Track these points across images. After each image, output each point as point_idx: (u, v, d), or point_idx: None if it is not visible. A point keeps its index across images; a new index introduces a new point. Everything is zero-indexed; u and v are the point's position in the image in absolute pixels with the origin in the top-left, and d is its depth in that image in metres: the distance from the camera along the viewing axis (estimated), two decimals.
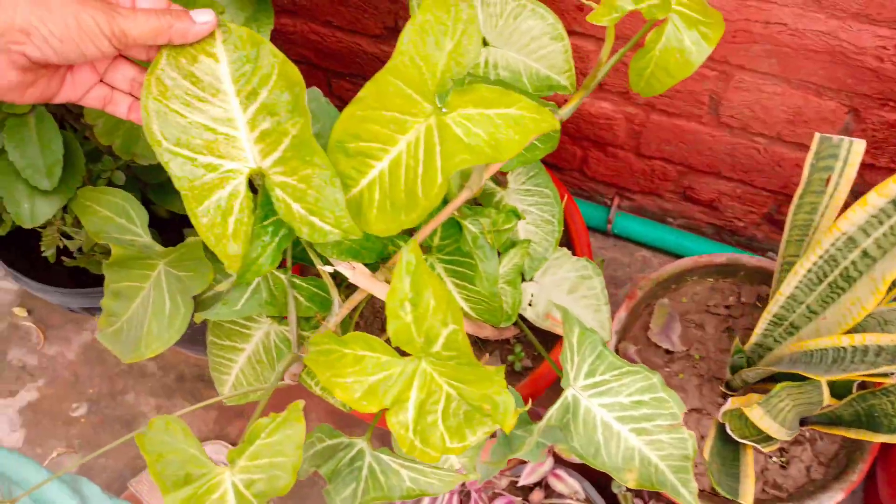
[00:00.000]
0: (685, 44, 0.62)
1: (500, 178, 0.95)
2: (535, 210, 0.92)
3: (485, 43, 0.86)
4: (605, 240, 1.38)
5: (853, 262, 0.76)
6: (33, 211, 0.82)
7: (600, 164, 1.27)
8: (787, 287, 0.80)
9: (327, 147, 0.61)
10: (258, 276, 0.64)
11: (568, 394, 0.74)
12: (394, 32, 1.17)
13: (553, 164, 1.31)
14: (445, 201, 0.77)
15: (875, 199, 0.73)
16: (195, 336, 1.23)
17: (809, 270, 0.77)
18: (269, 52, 0.59)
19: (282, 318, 0.81)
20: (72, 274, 1.07)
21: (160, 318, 0.76)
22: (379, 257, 0.71)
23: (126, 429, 1.36)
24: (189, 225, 0.99)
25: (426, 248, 0.78)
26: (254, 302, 0.71)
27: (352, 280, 0.69)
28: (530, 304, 0.92)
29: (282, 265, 0.73)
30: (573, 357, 0.74)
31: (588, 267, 0.92)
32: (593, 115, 1.16)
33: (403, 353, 0.62)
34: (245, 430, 0.61)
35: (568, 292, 0.92)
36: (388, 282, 0.71)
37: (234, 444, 1.31)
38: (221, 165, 0.61)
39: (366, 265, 0.71)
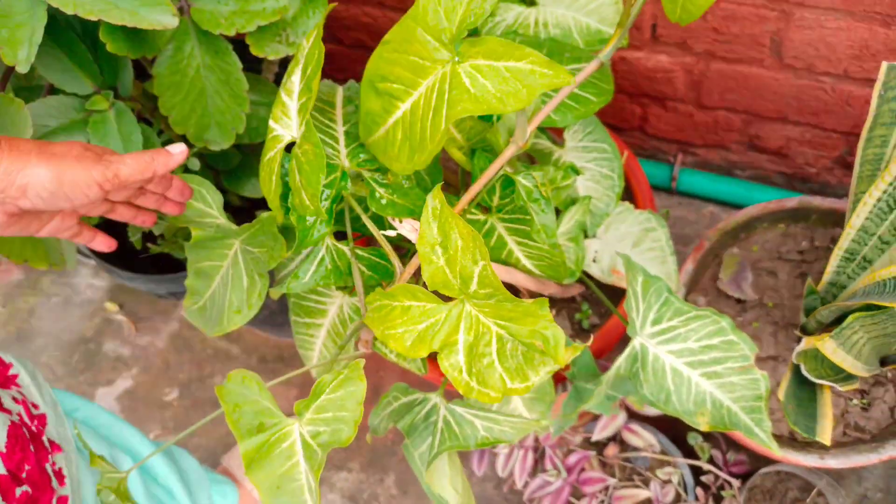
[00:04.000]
0: None
1: (557, 137, 0.95)
2: (594, 166, 0.92)
3: (533, 2, 0.86)
4: (670, 198, 1.36)
5: None
6: None
7: (661, 120, 1.25)
8: (858, 219, 0.78)
9: (361, 86, 0.65)
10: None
11: (635, 343, 0.74)
12: None
13: (612, 124, 1.30)
14: (493, 157, 0.78)
15: None
16: (274, 318, 1.27)
17: (879, 199, 0.75)
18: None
19: (353, 291, 0.83)
20: (156, 263, 1.13)
21: (239, 293, 0.80)
22: None
23: (216, 409, 1.42)
24: (261, 207, 1.02)
25: (486, 209, 0.79)
26: (319, 273, 0.73)
27: (410, 237, 0.71)
28: (594, 261, 0.91)
29: (345, 237, 0.76)
30: (638, 305, 0.73)
31: (651, 219, 0.91)
32: (650, 69, 1.15)
33: (449, 300, 0.63)
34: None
35: (632, 246, 0.91)
36: None
37: None
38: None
39: None
